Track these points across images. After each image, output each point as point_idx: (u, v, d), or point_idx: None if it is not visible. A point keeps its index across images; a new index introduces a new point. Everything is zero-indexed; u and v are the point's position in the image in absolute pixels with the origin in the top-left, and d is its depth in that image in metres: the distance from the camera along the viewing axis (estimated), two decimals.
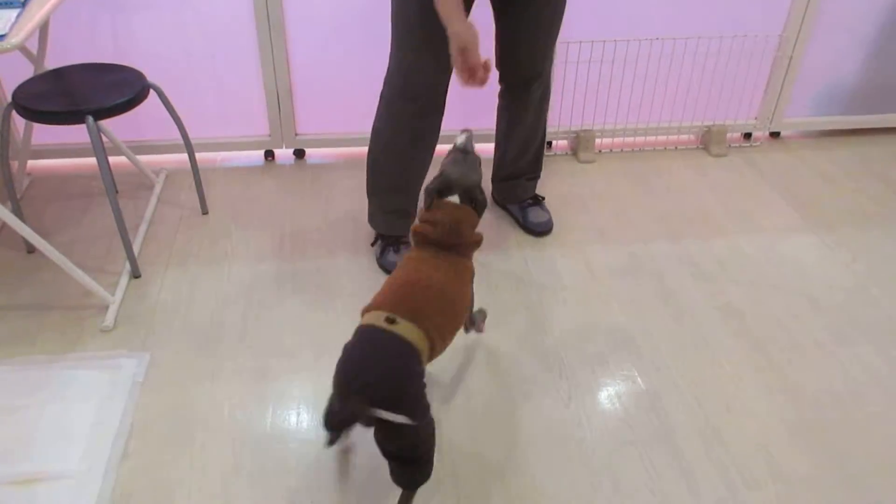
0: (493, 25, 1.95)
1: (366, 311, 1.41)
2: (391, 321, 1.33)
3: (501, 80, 2.09)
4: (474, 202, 1.52)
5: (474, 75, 1.61)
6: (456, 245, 1.49)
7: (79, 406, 1.69)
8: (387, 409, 1.23)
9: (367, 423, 1.29)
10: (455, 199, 1.50)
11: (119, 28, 2.37)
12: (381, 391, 1.26)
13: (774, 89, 2.72)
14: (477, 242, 1.54)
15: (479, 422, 1.68)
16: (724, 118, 2.78)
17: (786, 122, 2.82)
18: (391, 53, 1.90)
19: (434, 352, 1.40)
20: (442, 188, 1.50)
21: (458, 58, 1.60)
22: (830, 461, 1.61)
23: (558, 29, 1.97)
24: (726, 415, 1.71)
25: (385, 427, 1.27)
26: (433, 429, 1.36)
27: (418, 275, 1.43)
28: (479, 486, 1.54)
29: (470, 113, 2.57)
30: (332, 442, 1.51)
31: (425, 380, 1.36)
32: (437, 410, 1.70)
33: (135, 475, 1.55)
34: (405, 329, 1.33)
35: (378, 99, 1.98)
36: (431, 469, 1.39)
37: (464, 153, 1.56)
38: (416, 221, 1.53)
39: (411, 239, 1.54)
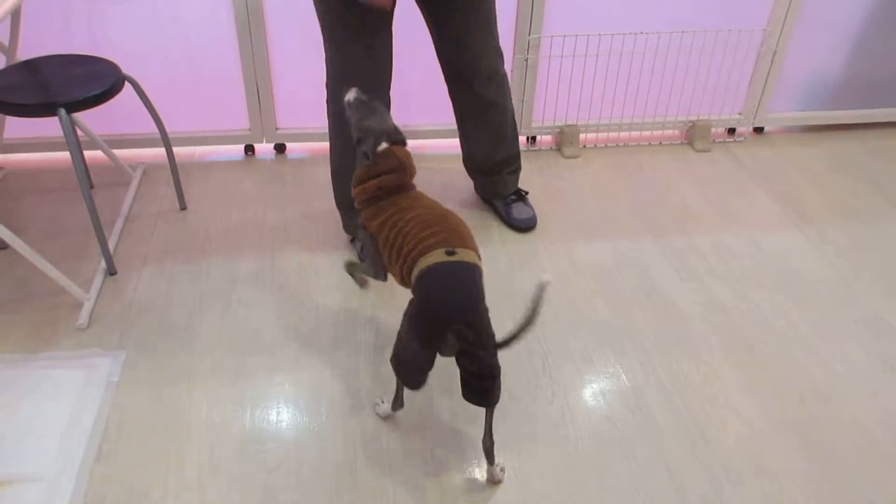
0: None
1: (417, 256, 1.45)
2: (451, 253, 1.42)
3: (446, 84, 2.08)
4: (397, 141, 1.59)
5: None
6: (409, 186, 1.58)
7: (52, 406, 1.65)
8: (481, 328, 1.37)
9: (453, 352, 1.40)
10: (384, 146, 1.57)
11: (94, 19, 2.32)
12: (476, 314, 1.37)
13: (758, 84, 2.71)
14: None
15: (461, 420, 1.65)
16: (709, 113, 2.77)
17: (769, 117, 2.82)
18: (326, 58, 1.89)
19: None
20: (372, 140, 1.55)
21: None
22: (815, 458, 1.60)
23: (492, 31, 1.96)
24: (711, 411, 1.70)
25: (470, 351, 1.38)
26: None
27: (433, 210, 1.52)
28: (462, 485, 1.52)
29: (432, 107, 2.54)
30: (415, 385, 1.51)
31: None
32: (418, 411, 1.68)
33: (109, 477, 1.51)
34: (468, 255, 1.44)
35: (325, 105, 1.97)
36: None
37: (363, 103, 1.60)
38: (361, 183, 1.56)
39: (365, 197, 1.56)
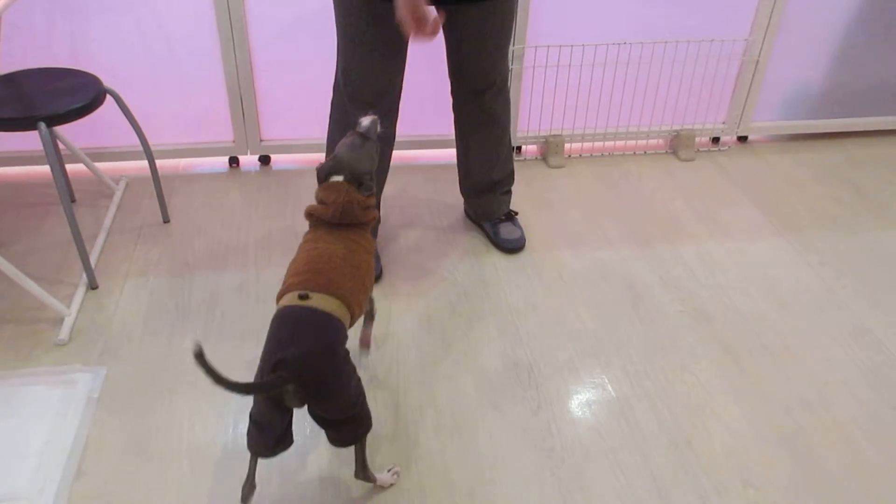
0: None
1: (278, 297, 1.41)
2: (304, 297, 1.34)
3: (453, 93, 2.05)
4: (361, 186, 1.51)
5: (423, 26, 1.53)
6: (348, 224, 1.49)
7: (31, 423, 1.62)
8: (316, 381, 1.27)
9: (299, 402, 1.30)
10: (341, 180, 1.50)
11: (75, 32, 2.31)
12: (308, 366, 1.28)
13: (741, 94, 2.73)
14: (370, 221, 1.53)
15: (446, 432, 1.64)
16: (693, 122, 2.78)
17: (753, 126, 2.84)
18: (338, 60, 1.87)
19: (354, 317, 1.43)
20: (332, 170, 1.50)
21: (405, 9, 1.52)
22: (801, 466, 1.60)
23: (507, 39, 1.93)
24: (696, 421, 1.69)
25: (316, 400, 1.30)
26: (361, 386, 1.38)
27: (318, 250, 1.44)
28: (447, 498, 1.51)
29: (427, 118, 2.55)
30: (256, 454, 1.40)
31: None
32: (404, 421, 1.66)
33: (88, 495, 1.49)
34: (320, 301, 1.35)
35: (329, 107, 1.95)
36: (370, 419, 1.41)
37: (362, 138, 1.54)
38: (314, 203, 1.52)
39: (307, 220, 1.53)
